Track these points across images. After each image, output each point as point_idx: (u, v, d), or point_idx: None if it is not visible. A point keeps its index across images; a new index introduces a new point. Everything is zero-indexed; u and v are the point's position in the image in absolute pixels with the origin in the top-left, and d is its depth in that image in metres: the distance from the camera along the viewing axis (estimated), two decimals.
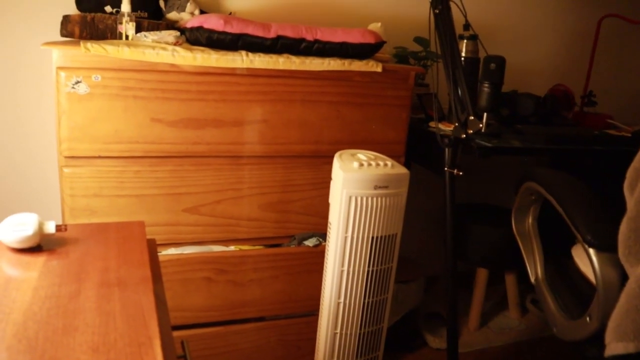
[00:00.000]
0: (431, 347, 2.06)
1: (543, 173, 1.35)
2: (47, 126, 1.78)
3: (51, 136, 1.80)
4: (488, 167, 2.53)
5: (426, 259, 2.53)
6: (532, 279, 1.46)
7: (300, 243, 1.62)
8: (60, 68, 1.28)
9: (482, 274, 2.18)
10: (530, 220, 1.48)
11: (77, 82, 1.28)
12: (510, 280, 2.27)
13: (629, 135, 1.92)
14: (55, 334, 0.59)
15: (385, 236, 1.24)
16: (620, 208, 1.01)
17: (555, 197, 1.21)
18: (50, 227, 0.82)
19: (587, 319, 1.12)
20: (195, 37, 1.41)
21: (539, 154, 1.70)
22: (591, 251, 1.07)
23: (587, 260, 1.14)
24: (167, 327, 0.73)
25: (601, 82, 2.56)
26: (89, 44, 1.27)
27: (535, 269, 1.45)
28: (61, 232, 0.85)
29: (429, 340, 2.07)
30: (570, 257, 1.36)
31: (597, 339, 1.09)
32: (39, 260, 0.77)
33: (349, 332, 1.29)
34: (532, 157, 2.47)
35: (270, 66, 1.43)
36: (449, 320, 1.57)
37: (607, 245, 1.05)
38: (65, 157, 1.34)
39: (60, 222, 1.15)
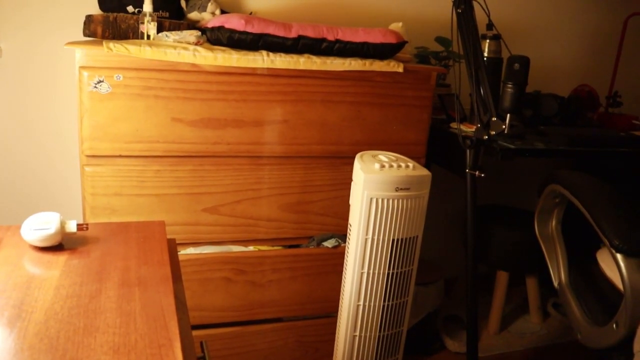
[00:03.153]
0: (450, 351, 2.03)
1: (568, 175, 1.32)
2: (69, 125, 1.80)
3: (73, 135, 1.81)
4: (510, 168, 2.50)
5: (446, 261, 2.50)
6: (555, 283, 1.43)
7: (319, 244, 1.61)
8: (82, 67, 1.29)
9: (502, 277, 2.14)
10: (553, 223, 1.45)
11: (99, 82, 1.28)
12: (531, 283, 2.23)
13: None
14: (77, 333, 0.59)
15: (406, 239, 1.23)
16: None
17: (580, 200, 1.18)
18: (71, 226, 0.82)
19: (614, 325, 1.09)
20: (216, 37, 1.41)
21: (563, 156, 1.67)
22: (619, 256, 1.04)
23: (613, 266, 1.12)
24: (187, 328, 0.73)
25: (627, 82, 2.51)
26: (111, 44, 1.28)
27: (558, 273, 1.42)
28: (82, 231, 0.86)
29: (448, 343, 2.05)
30: (595, 262, 1.33)
31: (624, 346, 1.07)
32: (60, 259, 0.78)
33: (368, 335, 1.27)
34: (556, 160, 2.43)
35: (291, 66, 1.42)
36: (468, 324, 1.55)
37: (635, 251, 1.02)
38: (87, 156, 1.35)
39: (81, 221, 1.15)
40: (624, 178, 2.00)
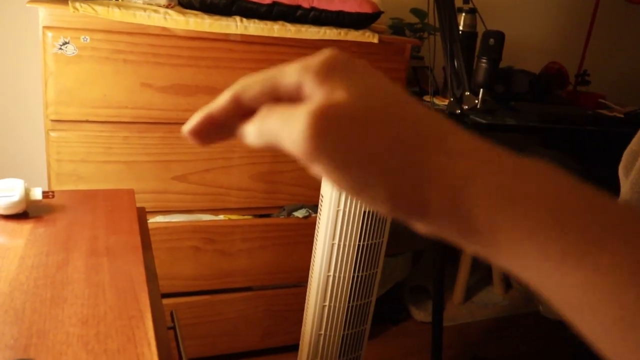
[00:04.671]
0: (415, 320, 2.08)
1: (535, 152, 1.34)
2: (33, 88, 1.73)
3: (37, 99, 1.74)
4: None
5: (413, 233, 2.54)
6: None
7: (289, 214, 1.61)
8: (47, 28, 1.23)
9: None
10: None
11: (65, 43, 1.23)
12: None
13: (622, 116, 1.92)
14: (43, 305, 0.58)
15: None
16: (611, 190, 1.01)
17: None
18: (37, 194, 0.80)
19: None
20: (189, 0, 1.37)
21: (533, 132, 1.70)
22: None
23: None
24: (157, 299, 0.72)
25: (595, 61, 2.55)
26: (77, 4, 1.23)
27: None
28: (48, 199, 0.83)
29: (414, 313, 2.10)
30: None
31: None
32: (25, 227, 0.75)
33: (337, 305, 1.29)
34: (525, 135, 2.47)
35: (265, 33, 1.39)
36: (434, 294, 1.58)
37: None
38: (52, 120, 1.30)
39: (45, 188, 1.12)
40: (590, 155, 2.05)
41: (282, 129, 0.26)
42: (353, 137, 0.25)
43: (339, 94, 0.26)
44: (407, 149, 0.25)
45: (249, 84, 0.30)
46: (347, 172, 0.25)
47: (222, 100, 0.31)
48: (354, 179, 0.26)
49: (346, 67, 0.28)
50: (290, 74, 0.28)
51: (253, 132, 0.28)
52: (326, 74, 0.27)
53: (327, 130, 0.25)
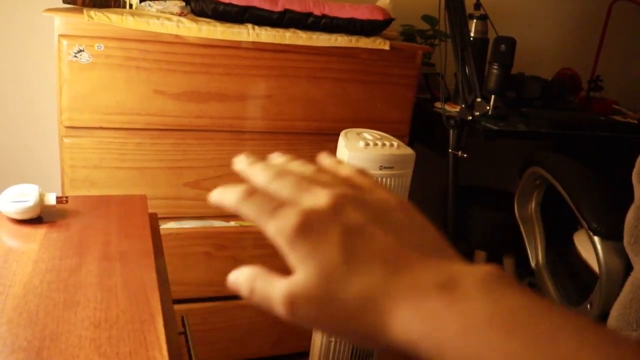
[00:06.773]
0: None
1: (549, 158, 1.33)
2: (48, 95, 1.76)
3: (52, 106, 1.77)
4: (490, 149, 2.51)
5: None
6: (533, 264, 1.45)
7: None
8: (62, 36, 1.25)
9: (480, 257, 2.18)
10: (533, 205, 1.47)
11: (80, 51, 1.25)
12: (508, 263, 2.27)
13: (635, 122, 1.91)
14: (56, 308, 0.59)
15: None
16: (625, 196, 1.00)
17: (561, 183, 1.20)
18: (51, 199, 0.81)
19: (588, 306, 1.12)
20: (201, 8, 1.38)
21: (544, 138, 1.69)
22: (596, 239, 1.06)
23: (589, 247, 1.14)
24: (169, 304, 0.72)
25: (609, 67, 2.53)
26: (92, 12, 1.24)
27: (536, 254, 1.44)
28: (62, 204, 0.84)
29: None
30: (572, 243, 1.36)
31: None
32: (39, 232, 0.76)
33: None
34: (536, 142, 2.46)
35: (277, 40, 1.40)
36: None
37: (612, 234, 1.04)
38: (66, 127, 1.32)
39: (59, 193, 1.13)
40: (603, 162, 2.04)
41: (267, 298, 0.34)
42: (315, 315, 0.33)
43: (302, 276, 0.33)
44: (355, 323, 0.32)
45: (246, 207, 0.36)
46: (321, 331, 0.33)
47: (231, 200, 0.38)
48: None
49: (318, 230, 0.33)
50: (271, 229, 0.35)
51: (245, 288, 0.36)
52: (296, 241, 0.34)
53: (296, 311, 0.33)
